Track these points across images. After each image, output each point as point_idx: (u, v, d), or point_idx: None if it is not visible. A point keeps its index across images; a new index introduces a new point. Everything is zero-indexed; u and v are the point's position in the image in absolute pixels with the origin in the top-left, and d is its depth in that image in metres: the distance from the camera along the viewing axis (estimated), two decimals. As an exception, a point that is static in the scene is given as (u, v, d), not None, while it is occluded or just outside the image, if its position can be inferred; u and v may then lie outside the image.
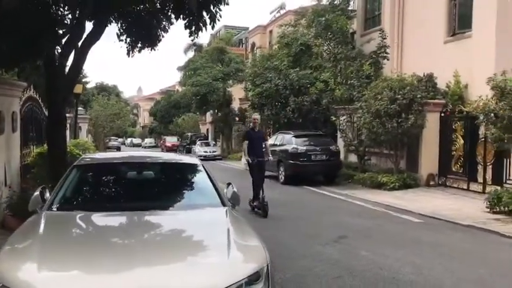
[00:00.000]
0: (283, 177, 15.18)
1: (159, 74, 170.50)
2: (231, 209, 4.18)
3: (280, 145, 15.93)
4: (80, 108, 19.93)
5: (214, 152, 31.14)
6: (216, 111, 34.25)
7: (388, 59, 16.36)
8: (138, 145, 61.22)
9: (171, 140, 44.72)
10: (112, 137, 43.84)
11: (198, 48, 35.92)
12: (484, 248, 6.86)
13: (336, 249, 6.60)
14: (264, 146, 9.80)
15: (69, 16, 8.36)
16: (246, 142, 9.72)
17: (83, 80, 27.54)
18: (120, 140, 56.98)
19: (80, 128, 19.79)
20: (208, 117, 39.98)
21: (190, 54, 37.95)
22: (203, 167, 4.90)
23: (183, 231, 3.70)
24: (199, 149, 31.46)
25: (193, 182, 4.73)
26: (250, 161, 9.47)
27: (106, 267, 2.88)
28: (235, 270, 2.91)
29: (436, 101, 13.47)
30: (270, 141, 17.91)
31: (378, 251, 6.37)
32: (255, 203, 9.47)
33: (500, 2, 12.59)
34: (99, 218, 3.94)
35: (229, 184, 4.71)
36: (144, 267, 2.88)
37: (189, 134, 40.36)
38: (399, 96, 12.74)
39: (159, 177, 4.75)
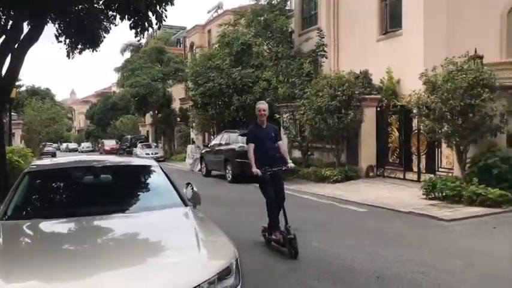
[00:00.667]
0: (230, 176, 15.31)
1: (93, 76, 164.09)
2: (193, 208, 4.26)
3: (226, 144, 16.05)
4: (12, 113, 18.84)
5: (157, 153, 30.59)
6: (157, 112, 33.69)
7: (326, 57, 17.00)
8: (75, 150, 58.70)
9: (109, 143, 43.42)
10: (47, 143, 41.84)
11: (135, 48, 35.10)
12: (424, 232, 7.41)
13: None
14: (277, 147, 6.57)
15: (4, 17, 7.96)
16: (252, 145, 6.39)
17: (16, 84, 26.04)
18: (55, 145, 54.41)
19: (13, 134, 18.73)
20: (148, 118, 39.23)
21: (127, 54, 37.05)
22: (160, 168, 4.92)
23: (148, 233, 3.67)
24: (140, 151, 30.78)
25: (152, 184, 4.72)
26: (260, 173, 6.18)
27: (70, 275, 2.83)
28: (206, 266, 2.99)
29: (372, 96, 14.20)
30: (215, 140, 18.02)
31: (330, 242, 6.69)
32: (273, 236, 6.34)
33: (426, 2, 13.52)
34: (58, 225, 3.85)
35: (188, 184, 4.76)
36: (109, 271, 2.88)
37: (129, 136, 39.40)
38: (339, 92, 13.29)
39: (116, 180, 4.66)
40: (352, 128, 13.66)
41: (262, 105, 6.69)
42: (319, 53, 16.99)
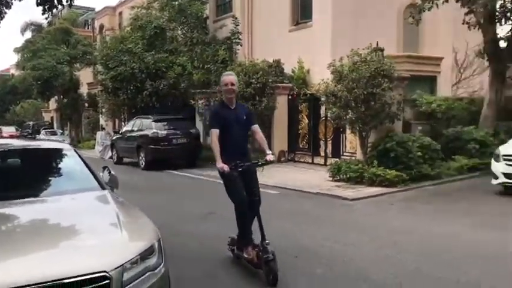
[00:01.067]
0: (144, 163, 15.03)
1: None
2: (111, 191, 4.24)
3: (139, 130, 15.69)
4: None
5: (63, 141, 28.91)
6: (62, 97, 31.71)
7: (241, 45, 17.26)
8: (-35, 137, 53.27)
9: (8, 130, 39.92)
10: None
11: (37, 28, 32.55)
12: (331, 210, 8.01)
13: (208, 225, 7.03)
14: (250, 134, 5.09)
15: None
16: (215, 132, 4.72)
17: None
18: None
19: None
20: (53, 103, 36.80)
21: (29, 34, 34.25)
22: (75, 151, 4.81)
23: (64, 217, 3.60)
24: (44, 138, 28.89)
25: (66, 167, 4.59)
26: (226, 170, 4.56)
27: None
28: (129, 247, 3.04)
29: (284, 84, 14.76)
30: (127, 127, 17.47)
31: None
32: (244, 253, 4.84)
33: (334, -4, 14.31)
34: None
35: (105, 168, 4.72)
36: (17, 257, 2.79)
37: (31, 122, 36.76)
38: (253, 80, 13.65)
39: (26, 164, 4.46)
40: (266, 115, 14.12)
41: (230, 76, 4.90)
42: (234, 41, 17.20)
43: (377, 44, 11.08)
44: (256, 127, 5.05)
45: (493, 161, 8.97)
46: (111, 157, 18.37)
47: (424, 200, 8.69)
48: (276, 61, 15.39)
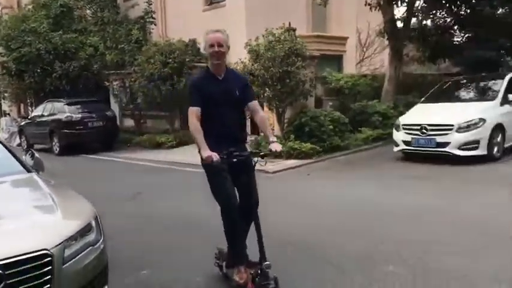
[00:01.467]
0: (58, 148, 14.40)
1: None
2: (38, 174, 4.22)
3: (50, 115, 14.92)
4: None
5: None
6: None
7: (155, 24, 16.96)
8: None
9: None
10: None
11: None
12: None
13: (135, 205, 7.12)
14: (247, 113, 3.91)
15: None
16: (195, 110, 3.61)
17: None
18: None
19: None
20: None
21: None
22: (-7, 136, 4.67)
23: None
24: None
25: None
26: (215, 159, 3.33)
27: None
28: (67, 225, 3.10)
29: (202, 64, 14.74)
30: (36, 111, 16.44)
31: (172, 200, 7.19)
32: (235, 274, 3.59)
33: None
34: None
35: (27, 151, 4.65)
36: None
37: None
38: (170, 60, 13.57)
39: None
40: (184, 94, 14.08)
41: (216, 34, 3.72)
42: (147, 20, 16.85)
43: (289, 24, 11.59)
44: (254, 104, 3.75)
45: (394, 130, 10.00)
46: (19, 144, 17.26)
47: (336, 168, 9.49)
48: (192, 40, 15.38)
